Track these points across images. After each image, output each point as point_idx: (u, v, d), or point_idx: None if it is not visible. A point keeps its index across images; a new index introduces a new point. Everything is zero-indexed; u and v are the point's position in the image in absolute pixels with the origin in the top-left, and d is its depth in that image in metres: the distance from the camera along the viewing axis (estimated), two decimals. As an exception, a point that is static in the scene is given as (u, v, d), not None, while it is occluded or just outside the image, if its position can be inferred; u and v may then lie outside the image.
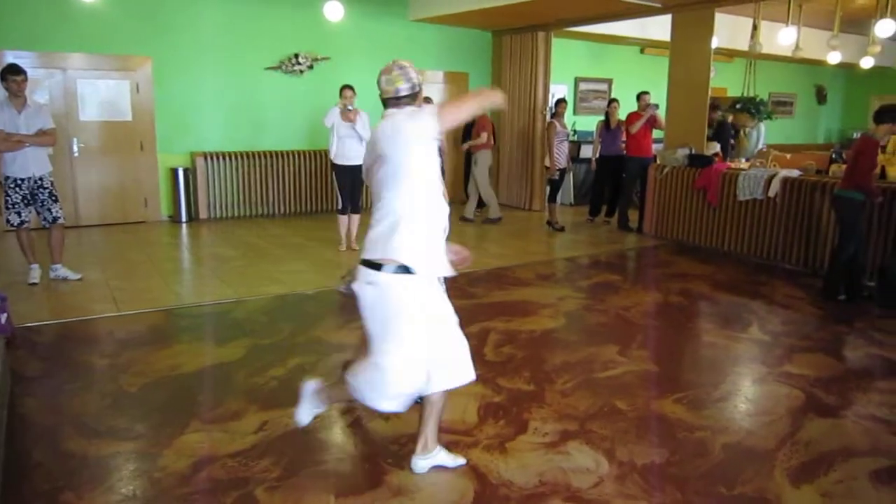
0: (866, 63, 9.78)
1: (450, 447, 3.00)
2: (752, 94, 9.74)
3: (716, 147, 8.30)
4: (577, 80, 12.17)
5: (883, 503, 2.71)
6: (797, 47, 9.03)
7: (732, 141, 9.71)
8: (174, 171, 8.56)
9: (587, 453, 3.02)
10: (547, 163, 8.74)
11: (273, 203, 9.29)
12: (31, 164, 5.42)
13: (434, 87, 10.36)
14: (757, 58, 10.13)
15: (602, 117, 9.15)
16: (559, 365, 4.10)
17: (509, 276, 6.30)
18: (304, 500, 2.63)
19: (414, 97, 2.61)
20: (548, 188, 9.05)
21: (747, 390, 3.91)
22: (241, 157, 8.94)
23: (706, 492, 2.74)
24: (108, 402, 3.52)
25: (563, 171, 8.74)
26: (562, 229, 8.56)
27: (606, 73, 12.42)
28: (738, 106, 9.44)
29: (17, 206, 5.43)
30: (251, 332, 4.59)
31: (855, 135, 9.43)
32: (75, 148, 8.10)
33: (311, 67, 9.23)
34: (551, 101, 9.75)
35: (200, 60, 8.55)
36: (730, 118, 9.79)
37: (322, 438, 3.16)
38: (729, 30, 9.78)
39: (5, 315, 4.29)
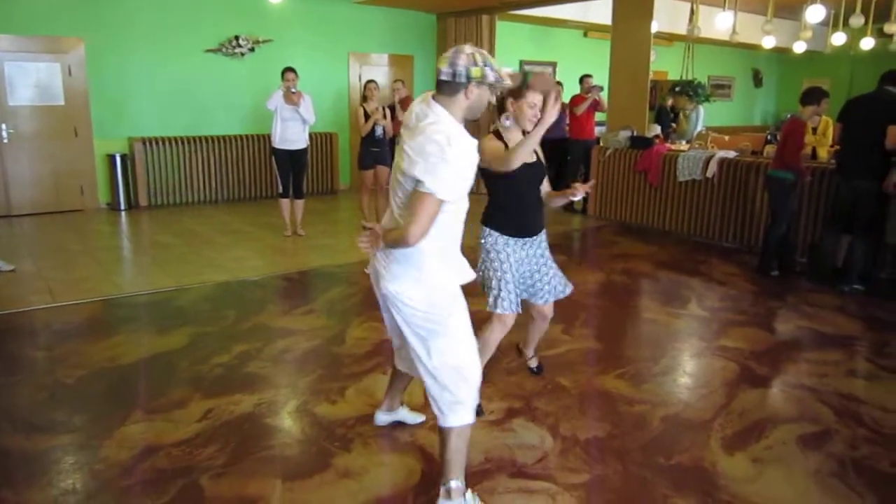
0: (799, 47, 10.09)
1: (396, 429, 3.04)
2: (691, 78, 9.96)
3: (656, 129, 8.49)
4: (522, 63, 12.23)
5: (810, 465, 2.85)
6: (734, 31, 9.26)
7: (674, 124, 9.94)
8: (111, 158, 8.29)
9: (532, 430, 3.09)
10: (493, 146, 8.78)
11: (215, 189, 9.09)
12: (-44, 150, 5.19)
13: (379, 70, 10.29)
14: (695, 41, 10.35)
15: (546, 100, 9.23)
16: (504, 345, 4.11)
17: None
18: (250, 485, 2.62)
19: (455, 87, 2.19)
20: (494, 171, 9.09)
21: (685, 364, 4.05)
22: (182, 143, 8.71)
23: (645, 462, 2.84)
24: (45, 396, 3.42)
25: (508, 154, 8.80)
26: (508, 212, 8.63)
27: (551, 57, 12.52)
28: (676, 89, 9.66)
29: (-59, 195, 5.20)
30: (194, 320, 4.51)
31: (788, 116, 9.83)
32: (4, 134, 7.76)
33: (252, 50, 9.03)
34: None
35: (136, 42, 8.27)
36: (669, 101, 10.01)
37: (268, 424, 3.14)
38: (668, 14, 9.96)
39: (-68, 309, 4.12)
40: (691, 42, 10.29)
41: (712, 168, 6.92)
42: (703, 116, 10.10)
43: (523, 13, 10.13)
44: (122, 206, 8.41)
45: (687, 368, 4.00)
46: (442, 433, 2.40)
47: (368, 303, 5.07)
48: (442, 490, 2.41)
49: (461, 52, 2.19)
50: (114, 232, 7.54)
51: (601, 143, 8.36)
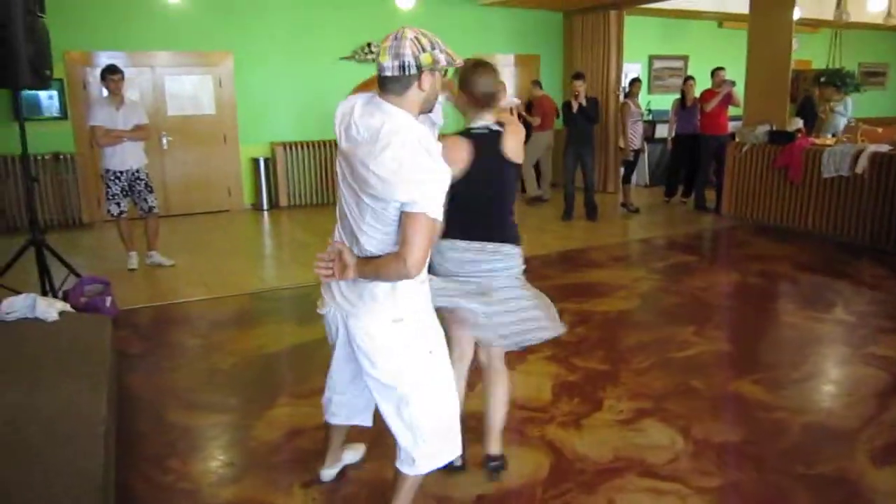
0: (967, 27, 9.19)
1: (525, 424, 3.10)
2: (838, 66, 9.31)
3: (798, 123, 8.01)
4: (651, 59, 11.90)
5: (973, 486, 2.64)
6: (889, 14, 8.58)
7: (822, 115, 9.30)
8: (255, 161, 8.91)
9: (662, 431, 3.06)
10: (621, 144, 8.64)
11: (349, 190, 9.51)
12: (129, 157, 5.79)
13: (506, 70, 10.35)
14: (844, 27, 9.67)
15: (678, 95, 8.95)
16: (634, 345, 4.11)
17: (583, 258, 6.30)
18: (388, 468, 2.77)
19: (406, 81, 1.91)
20: (622, 169, 8.95)
21: (829, 371, 3.84)
22: (318, 147, 9.20)
23: (784, 470, 2.74)
24: (203, 379, 3.78)
25: (637, 152, 8.64)
26: (637, 211, 8.46)
27: (682, 50, 12.09)
28: (822, 79, 9.05)
29: (116, 198, 5.81)
30: (332, 314, 4.79)
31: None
32: (164, 142, 8.54)
33: (383, 56, 9.38)
34: (625, 81, 9.61)
35: (278, 53, 8.84)
36: (816, 92, 9.39)
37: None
38: (813, -1, 9.35)
39: (110, 298, 4.65)
40: (839, 28, 9.62)
41: (862, 163, 6.44)
42: (851, 108, 9.41)
43: (653, 6, 9.86)
44: (265, 207, 9.01)
45: (831, 376, 3.78)
46: (400, 474, 2.24)
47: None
48: None
49: (404, 39, 1.88)
50: (258, 230, 8.11)
51: (736, 139, 7.99)
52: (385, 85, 1.93)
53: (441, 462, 2.22)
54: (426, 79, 1.92)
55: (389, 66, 1.88)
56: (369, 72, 8.05)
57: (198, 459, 2.93)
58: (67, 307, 3.91)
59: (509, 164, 2.49)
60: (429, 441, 2.15)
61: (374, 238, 1.99)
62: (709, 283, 5.53)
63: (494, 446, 2.72)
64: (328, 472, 2.72)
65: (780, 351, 4.16)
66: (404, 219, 1.87)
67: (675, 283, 5.50)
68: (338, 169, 2.10)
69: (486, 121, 2.47)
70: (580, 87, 7.53)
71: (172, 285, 5.57)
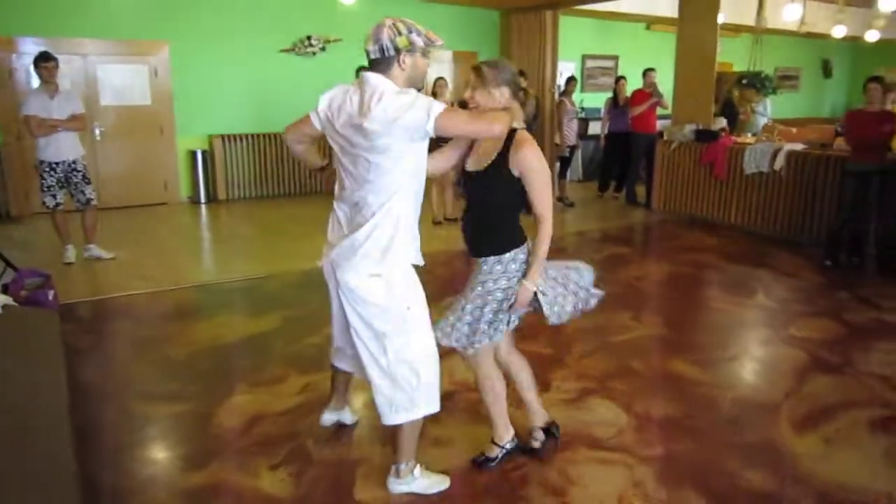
0: (871, 36, 9.91)
1: (479, 405, 3.25)
2: (757, 69, 9.86)
3: (722, 122, 8.47)
4: (584, 58, 12.29)
5: (880, 447, 2.96)
6: (803, 21, 9.17)
7: (742, 116, 9.84)
8: (193, 154, 8.77)
9: (607, 407, 3.28)
10: (557, 140, 8.93)
11: (289, 183, 9.48)
12: (65, 148, 5.64)
13: (443, 67, 10.51)
14: (763, 33, 10.24)
15: (610, 94, 9.31)
16: (576, 331, 4.33)
17: (523, 250, 6.51)
18: (352, 450, 2.90)
19: (388, 62, 2.25)
20: (557, 165, 9.24)
21: (754, 351, 4.17)
22: (258, 139, 9.13)
23: (718, 439, 3.00)
24: (159, 370, 3.78)
25: (572, 149, 8.94)
26: (571, 205, 8.77)
27: (613, 51, 12.54)
28: (743, 81, 9.57)
29: (52, 189, 5.65)
30: (284, 305, 4.83)
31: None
32: (97, 132, 8.31)
33: (323, 49, 9.39)
34: (560, 80, 9.91)
35: (216, 44, 8.71)
36: (736, 94, 9.93)
37: (364, 397, 3.41)
38: (735, 5, 9.87)
39: (52, 292, 4.55)
40: (759, 33, 10.19)
41: (780, 161, 6.91)
42: (770, 108, 10.00)
43: (586, 8, 10.19)
44: (203, 200, 8.88)
45: (756, 355, 4.11)
46: (395, 428, 2.45)
47: (440, 290, 5.31)
48: (392, 469, 2.56)
49: (382, 27, 2.23)
50: (197, 224, 8.00)
51: (665, 137, 8.39)
52: (372, 67, 2.27)
53: (419, 414, 2.42)
54: (406, 59, 2.25)
55: (372, 50, 2.24)
56: (309, 64, 8.14)
57: (164, 447, 2.96)
58: (10, 301, 3.84)
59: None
60: (405, 389, 2.36)
61: (377, 188, 2.26)
62: (643, 273, 5.85)
63: (539, 418, 2.89)
64: (328, 417, 2.97)
65: (710, 333, 4.48)
66: (439, 126, 2.15)
67: (611, 273, 5.78)
68: (333, 146, 2.41)
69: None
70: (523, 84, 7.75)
71: (114, 279, 5.47)
